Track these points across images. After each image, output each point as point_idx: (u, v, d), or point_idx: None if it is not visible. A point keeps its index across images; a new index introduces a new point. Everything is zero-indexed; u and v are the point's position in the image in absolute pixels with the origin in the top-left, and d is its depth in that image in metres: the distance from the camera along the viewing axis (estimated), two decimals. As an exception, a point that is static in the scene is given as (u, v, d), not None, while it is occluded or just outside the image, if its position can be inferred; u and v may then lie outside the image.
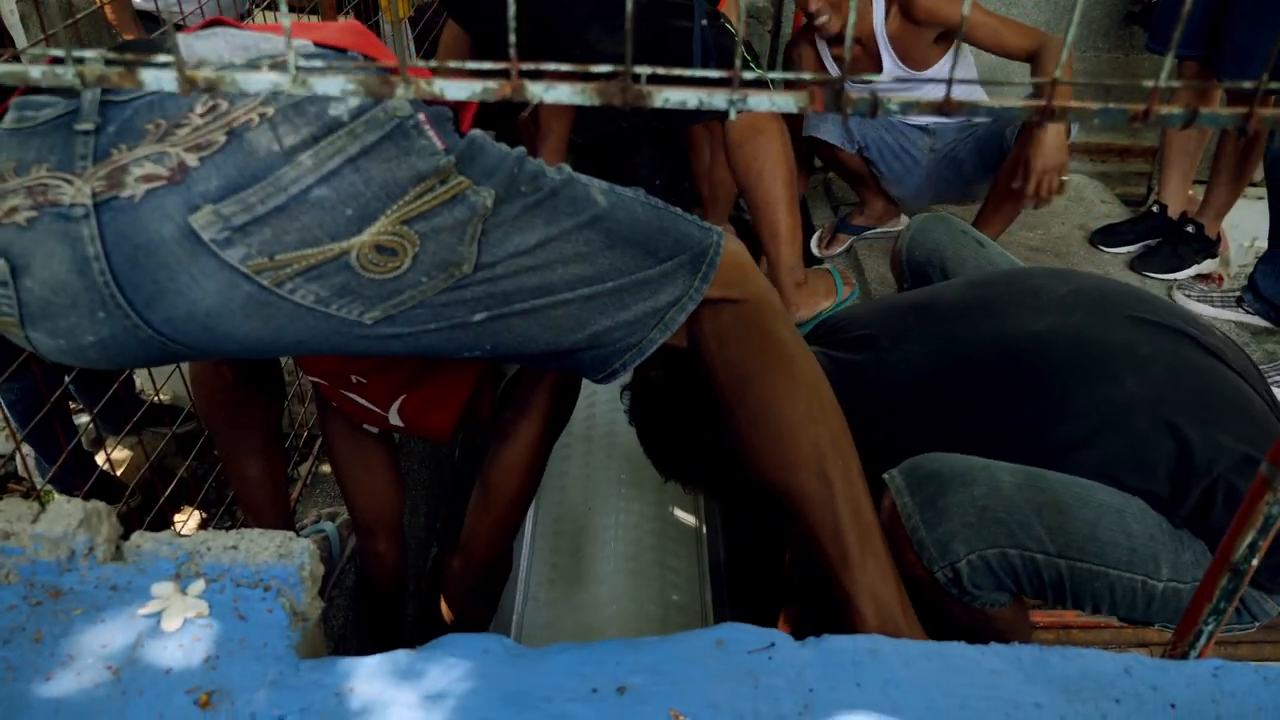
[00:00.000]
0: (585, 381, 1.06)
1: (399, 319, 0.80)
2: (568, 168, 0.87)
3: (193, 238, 0.73)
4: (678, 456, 1.43)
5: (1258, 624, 1.13)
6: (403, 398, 1.12)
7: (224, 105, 0.73)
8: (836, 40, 2.19)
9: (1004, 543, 1.03)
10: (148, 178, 0.72)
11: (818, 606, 1.14)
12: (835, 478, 0.96)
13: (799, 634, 0.72)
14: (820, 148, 2.44)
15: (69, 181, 0.72)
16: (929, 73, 2.20)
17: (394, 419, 1.15)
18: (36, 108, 0.75)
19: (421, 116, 0.77)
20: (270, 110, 0.73)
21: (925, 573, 1.06)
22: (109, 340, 0.78)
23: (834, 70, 2.26)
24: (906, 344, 1.25)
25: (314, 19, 2.18)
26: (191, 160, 0.72)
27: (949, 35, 2.12)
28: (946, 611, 1.12)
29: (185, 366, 1.52)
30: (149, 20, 2.29)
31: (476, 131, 0.84)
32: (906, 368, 1.22)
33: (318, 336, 0.80)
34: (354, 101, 0.73)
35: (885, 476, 1.09)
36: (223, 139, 0.72)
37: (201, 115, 0.73)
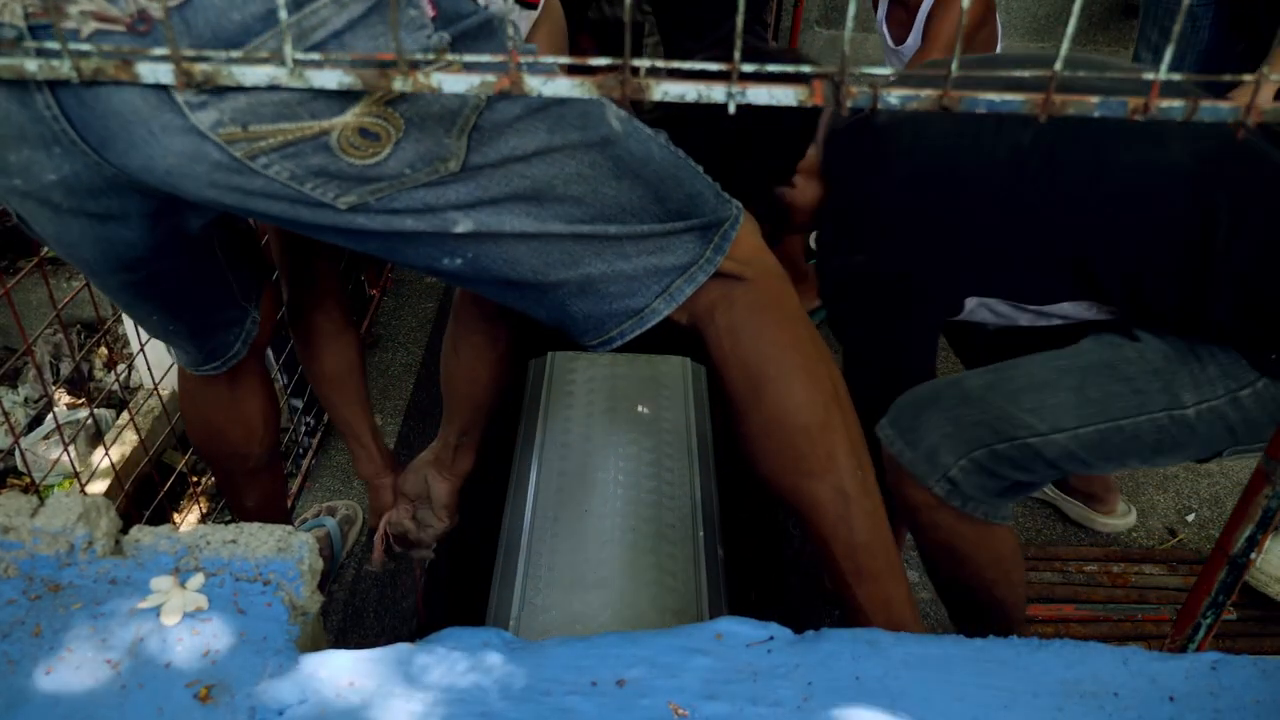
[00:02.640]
0: (584, 382, 1.04)
1: (374, 208, 0.74)
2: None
3: (160, 92, 0.65)
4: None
5: None
6: None
7: None
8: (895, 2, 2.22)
9: (989, 440, 1.05)
10: (98, 16, 0.63)
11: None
12: (852, 490, 0.91)
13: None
14: None
15: None
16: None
17: None
18: None
19: None
20: None
21: (929, 496, 1.09)
22: (72, 179, 0.72)
23: (887, 35, 2.27)
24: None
25: None
26: (155, 10, 0.63)
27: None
28: (954, 542, 1.13)
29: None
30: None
31: (497, 6, 0.75)
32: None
33: (287, 213, 0.74)
34: None
35: (876, 429, 1.13)
36: None
37: None
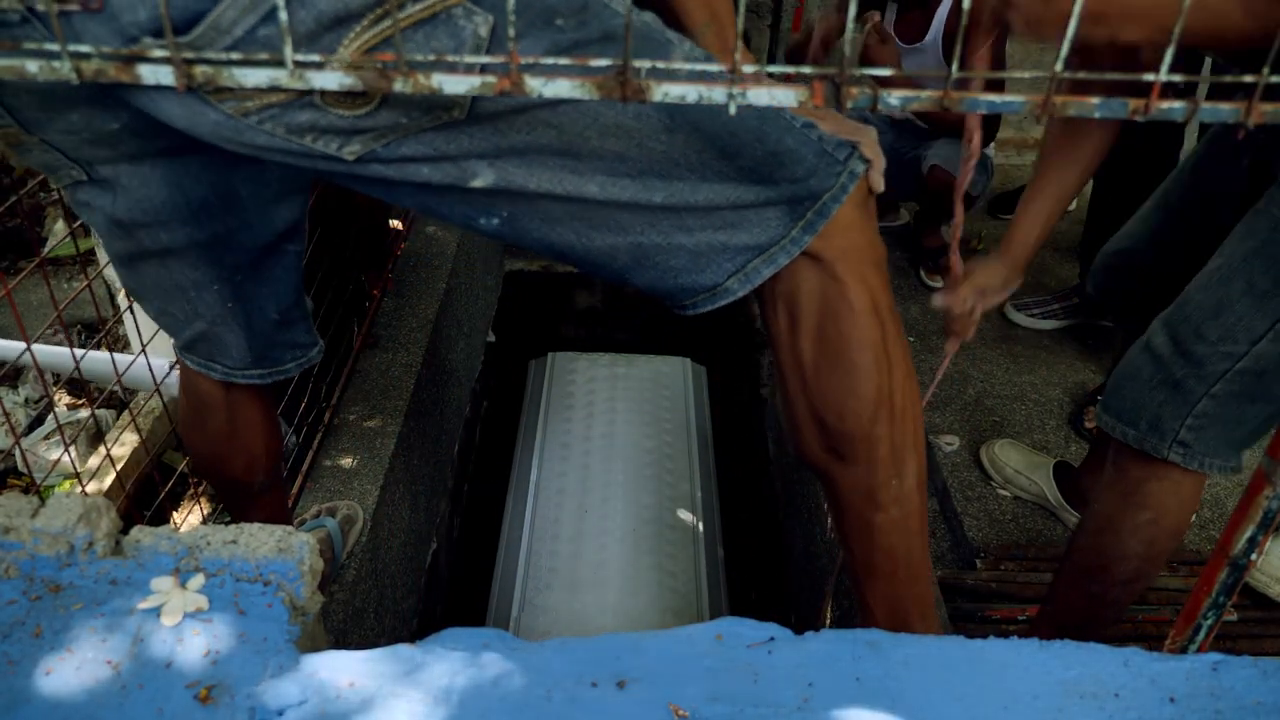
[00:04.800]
0: (584, 382, 1.03)
1: (384, 156, 0.70)
2: (650, 13, 0.69)
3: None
4: None
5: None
6: None
7: None
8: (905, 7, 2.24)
9: (1202, 390, 1.01)
10: None
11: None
12: (883, 497, 0.88)
13: None
14: None
15: None
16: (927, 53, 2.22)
17: None
18: None
19: None
20: None
21: (1163, 467, 1.06)
22: (133, 123, 0.73)
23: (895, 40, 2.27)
24: None
25: None
26: None
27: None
28: (1166, 512, 1.11)
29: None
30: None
31: None
32: None
33: (305, 165, 0.72)
34: None
35: (1098, 426, 1.13)
36: None
37: None
